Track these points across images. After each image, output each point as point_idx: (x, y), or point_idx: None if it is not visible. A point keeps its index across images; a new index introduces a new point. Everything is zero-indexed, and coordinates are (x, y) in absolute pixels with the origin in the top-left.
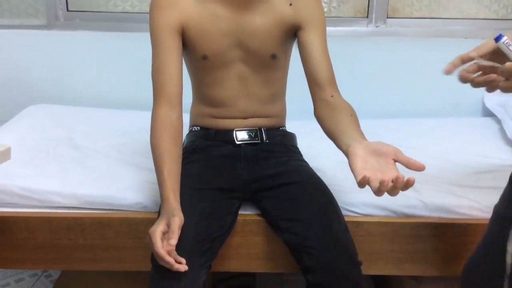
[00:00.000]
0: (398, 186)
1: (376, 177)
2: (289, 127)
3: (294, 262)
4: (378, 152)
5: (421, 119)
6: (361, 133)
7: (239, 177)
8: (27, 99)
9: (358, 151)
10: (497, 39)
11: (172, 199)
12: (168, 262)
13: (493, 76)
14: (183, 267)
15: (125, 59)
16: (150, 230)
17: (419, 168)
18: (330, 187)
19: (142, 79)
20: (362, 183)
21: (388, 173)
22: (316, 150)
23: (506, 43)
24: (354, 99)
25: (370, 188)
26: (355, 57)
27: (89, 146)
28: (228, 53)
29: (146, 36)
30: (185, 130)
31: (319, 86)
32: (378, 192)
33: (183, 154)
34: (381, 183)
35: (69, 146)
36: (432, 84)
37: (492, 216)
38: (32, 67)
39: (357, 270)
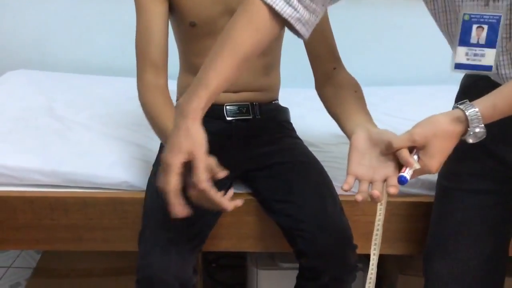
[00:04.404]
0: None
1: (366, 177)
2: (281, 95)
3: (286, 242)
4: (379, 143)
5: (415, 86)
6: (366, 115)
7: (230, 156)
8: (5, 64)
9: (359, 143)
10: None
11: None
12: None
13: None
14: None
15: (109, 21)
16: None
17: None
18: (324, 164)
19: (128, 43)
20: (345, 190)
21: (380, 172)
22: (310, 122)
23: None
24: (346, 66)
25: None
26: (349, 22)
27: (71, 117)
28: (218, 21)
29: None
30: (172, 99)
31: (320, 58)
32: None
33: None
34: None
35: (50, 117)
36: (428, 50)
37: None
38: (10, 30)
39: (352, 254)
